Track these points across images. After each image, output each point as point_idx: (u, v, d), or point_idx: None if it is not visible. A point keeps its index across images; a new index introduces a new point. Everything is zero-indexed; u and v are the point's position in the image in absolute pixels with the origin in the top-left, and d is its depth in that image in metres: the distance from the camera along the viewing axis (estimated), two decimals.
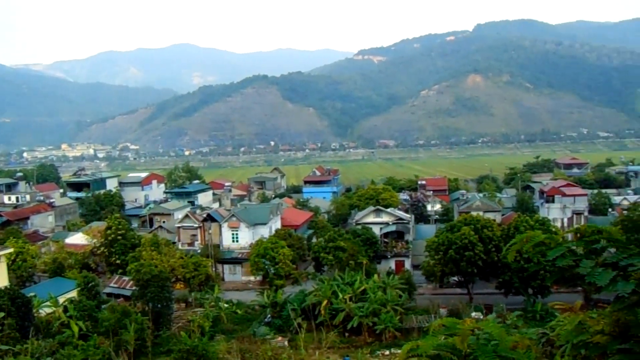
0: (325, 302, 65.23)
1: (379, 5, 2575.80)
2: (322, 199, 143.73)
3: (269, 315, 69.11)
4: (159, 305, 64.44)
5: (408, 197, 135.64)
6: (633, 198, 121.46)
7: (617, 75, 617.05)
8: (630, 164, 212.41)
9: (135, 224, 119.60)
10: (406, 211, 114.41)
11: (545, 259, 5.34)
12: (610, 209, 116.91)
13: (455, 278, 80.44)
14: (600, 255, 4.88)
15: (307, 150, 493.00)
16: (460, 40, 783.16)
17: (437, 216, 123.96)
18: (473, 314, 65.53)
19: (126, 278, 78.12)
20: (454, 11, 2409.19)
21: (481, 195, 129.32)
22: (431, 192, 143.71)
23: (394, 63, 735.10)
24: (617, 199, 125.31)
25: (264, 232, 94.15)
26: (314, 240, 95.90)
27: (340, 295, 65.89)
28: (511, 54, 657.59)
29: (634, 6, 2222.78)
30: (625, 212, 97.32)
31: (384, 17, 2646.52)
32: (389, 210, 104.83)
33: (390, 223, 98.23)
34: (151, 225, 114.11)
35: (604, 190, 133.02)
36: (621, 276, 4.59)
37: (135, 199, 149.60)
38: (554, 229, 75.39)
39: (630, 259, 4.62)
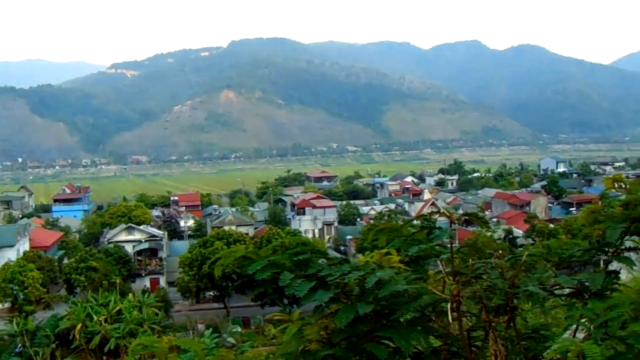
0: (79, 325, 63.20)
1: (132, 18, 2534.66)
2: (73, 218, 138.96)
3: (20, 345, 65.61)
4: None
5: (160, 214, 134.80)
6: (379, 208, 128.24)
7: (364, 92, 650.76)
8: (377, 176, 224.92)
9: None
10: (159, 228, 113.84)
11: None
12: (358, 219, 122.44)
13: (212, 293, 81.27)
14: (307, 266, 5.23)
15: (57, 167, 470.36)
16: (214, 56, 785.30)
17: (190, 232, 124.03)
18: (231, 327, 66.54)
19: None
20: (208, 27, 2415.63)
21: (234, 209, 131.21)
22: (184, 207, 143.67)
23: (148, 77, 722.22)
24: (365, 209, 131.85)
25: (11, 255, 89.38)
26: (65, 261, 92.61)
27: (95, 318, 64.22)
28: (264, 71, 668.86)
29: (379, 30, 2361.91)
30: (371, 221, 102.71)
31: (138, 31, 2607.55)
32: (141, 227, 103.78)
33: (143, 240, 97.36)
34: None
35: (352, 201, 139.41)
36: (321, 286, 4.83)
37: None
38: (305, 240, 78.60)
39: (330, 269, 4.89)
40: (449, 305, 4.64)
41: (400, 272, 5.13)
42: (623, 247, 5.46)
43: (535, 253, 5.61)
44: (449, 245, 5.29)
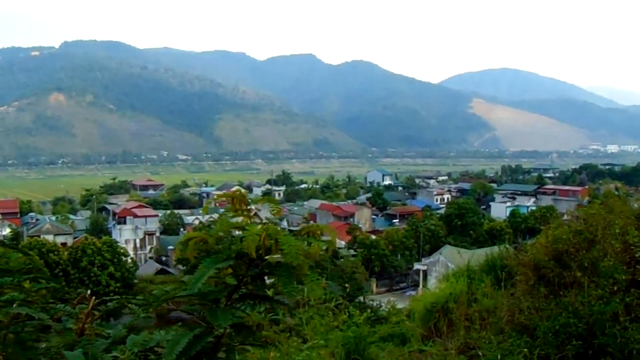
0: None
1: None
2: None
3: None
4: None
5: None
6: (204, 218, 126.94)
7: (197, 101, 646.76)
8: (204, 185, 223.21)
9: None
10: None
11: None
12: (182, 229, 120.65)
13: None
14: None
15: None
16: (45, 56, 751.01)
17: (6, 241, 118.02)
18: None
19: None
20: (40, 25, 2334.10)
21: (53, 217, 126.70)
22: (0, 215, 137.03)
23: None
24: (189, 219, 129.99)
25: None
26: None
27: None
28: (97, 75, 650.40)
29: (215, 39, 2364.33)
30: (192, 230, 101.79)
31: None
32: None
33: None
34: None
35: (177, 211, 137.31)
36: None
37: None
38: (122, 250, 76.94)
39: None
40: None
41: None
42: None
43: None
44: None
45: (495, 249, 13.89)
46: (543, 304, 8.49)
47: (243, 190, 4.69)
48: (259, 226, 3.85)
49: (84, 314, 3.91)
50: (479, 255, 15.70)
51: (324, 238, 4.18)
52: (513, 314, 8.89)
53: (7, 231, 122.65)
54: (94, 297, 4.08)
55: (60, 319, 4.04)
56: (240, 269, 3.91)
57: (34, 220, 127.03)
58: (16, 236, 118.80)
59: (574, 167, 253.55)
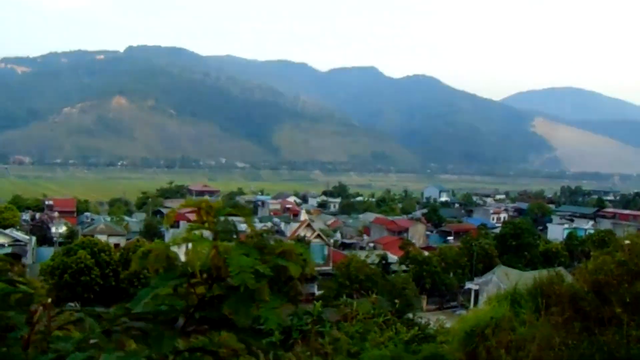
0: None
1: (27, 11, 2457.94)
2: None
3: None
4: None
5: (29, 218, 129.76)
6: (258, 226, 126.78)
7: (258, 109, 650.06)
8: (260, 193, 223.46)
9: None
10: (28, 232, 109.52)
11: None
12: (235, 236, 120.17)
13: (72, 304, 78.32)
14: None
15: None
16: (110, 60, 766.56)
17: (61, 239, 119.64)
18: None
19: None
20: (106, 29, 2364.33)
21: (108, 218, 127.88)
22: (57, 213, 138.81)
23: (39, 75, 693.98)
24: (243, 227, 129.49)
25: None
26: None
27: None
28: (159, 80, 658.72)
29: (278, 49, 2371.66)
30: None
31: (33, 25, 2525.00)
32: (6, 231, 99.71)
33: (6, 244, 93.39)
34: None
35: (231, 218, 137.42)
36: None
37: None
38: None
39: None
40: None
41: None
42: None
43: None
44: None
45: (544, 272, 13.02)
46: (576, 340, 7.57)
47: (211, 200, 3.92)
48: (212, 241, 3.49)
49: (36, 324, 3.58)
50: (527, 278, 14.87)
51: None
52: (543, 349, 7.99)
53: (63, 229, 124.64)
54: (41, 308, 3.54)
55: (13, 327, 3.61)
56: (199, 288, 3.52)
57: (89, 220, 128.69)
58: (71, 234, 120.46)
59: (636, 191, 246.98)
